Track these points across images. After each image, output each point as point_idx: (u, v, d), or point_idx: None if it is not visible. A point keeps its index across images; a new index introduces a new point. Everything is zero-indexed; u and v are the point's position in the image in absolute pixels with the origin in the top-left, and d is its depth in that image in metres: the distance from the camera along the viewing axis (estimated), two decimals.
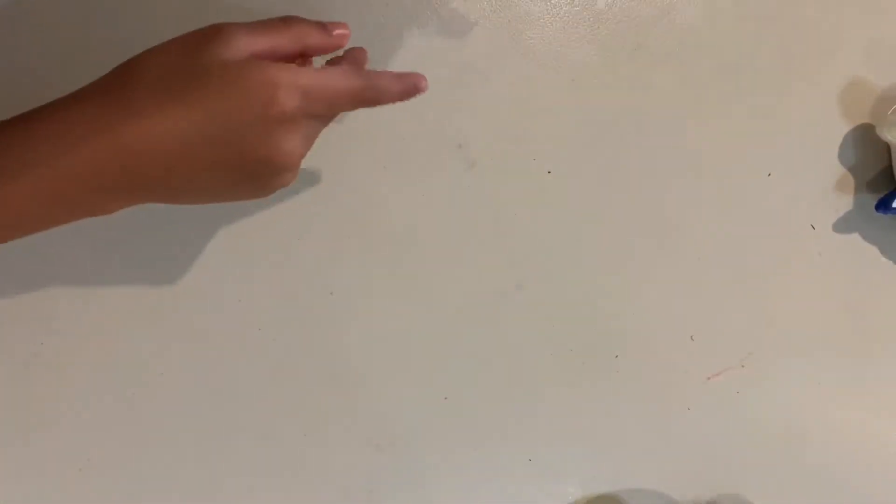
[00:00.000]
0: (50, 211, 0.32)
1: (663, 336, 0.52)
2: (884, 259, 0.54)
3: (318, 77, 0.33)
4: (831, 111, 0.52)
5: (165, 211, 0.46)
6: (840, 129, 0.52)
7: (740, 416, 0.54)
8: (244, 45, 0.32)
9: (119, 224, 0.47)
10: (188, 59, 0.31)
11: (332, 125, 0.46)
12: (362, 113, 0.46)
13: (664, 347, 0.52)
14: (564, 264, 0.51)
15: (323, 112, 0.34)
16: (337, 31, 0.36)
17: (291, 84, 0.32)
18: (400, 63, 0.47)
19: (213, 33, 0.32)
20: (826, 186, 0.53)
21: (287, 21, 0.35)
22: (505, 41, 0.48)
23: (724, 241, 0.52)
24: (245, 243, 0.48)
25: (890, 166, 0.52)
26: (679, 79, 0.51)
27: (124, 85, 0.31)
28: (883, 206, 0.51)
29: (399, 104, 0.37)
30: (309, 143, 0.35)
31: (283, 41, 0.34)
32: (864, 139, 0.52)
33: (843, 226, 0.53)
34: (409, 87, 0.36)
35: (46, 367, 0.46)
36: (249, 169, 0.33)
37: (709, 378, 0.53)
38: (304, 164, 0.35)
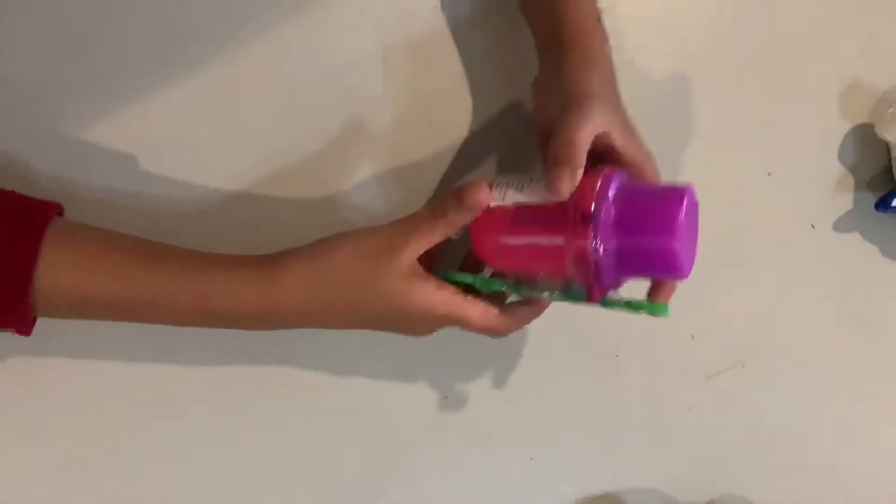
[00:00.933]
0: (236, 322, 0.41)
1: (664, 335, 0.52)
2: (883, 258, 0.54)
3: (464, 313, 0.39)
4: (831, 111, 0.52)
5: (164, 215, 0.46)
6: (840, 128, 0.52)
7: (740, 415, 0.54)
8: (411, 264, 0.38)
9: (117, 224, 0.46)
10: (366, 273, 0.38)
11: (333, 127, 0.47)
12: (369, 123, 0.47)
13: (664, 347, 0.52)
14: None
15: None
16: (476, 200, 0.37)
17: (447, 315, 0.39)
18: (398, 64, 0.47)
19: (386, 250, 0.38)
20: (826, 186, 0.53)
21: (444, 211, 0.38)
22: (506, 43, 0.48)
23: (724, 241, 0.52)
24: (244, 242, 0.47)
25: (889, 166, 0.52)
26: (679, 78, 0.51)
27: (319, 282, 0.39)
28: (882, 205, 0.51)
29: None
30: None
31: (440, 235, 0.38)
32: (863, 139, 0.52)
33: (842, 225, 0.53)
34: (539, 313, 0.42)
35: (47, 367, 0.46)
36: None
37: (709, 377, 0.53)
38: None
